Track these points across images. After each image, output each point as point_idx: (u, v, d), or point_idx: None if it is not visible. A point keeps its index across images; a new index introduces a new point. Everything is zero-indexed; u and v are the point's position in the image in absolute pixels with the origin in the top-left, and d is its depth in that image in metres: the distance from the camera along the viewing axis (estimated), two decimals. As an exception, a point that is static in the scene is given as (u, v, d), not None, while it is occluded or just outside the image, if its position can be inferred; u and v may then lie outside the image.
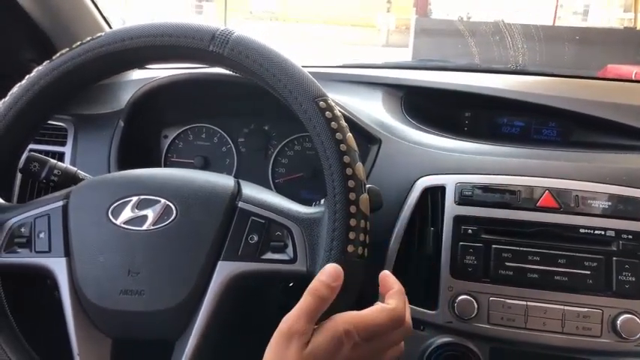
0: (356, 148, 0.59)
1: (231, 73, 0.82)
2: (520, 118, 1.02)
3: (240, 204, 0.61)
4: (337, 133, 0.58)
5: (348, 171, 0.57)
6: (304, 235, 0.59)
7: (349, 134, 0.59)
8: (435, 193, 0.77)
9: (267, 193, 0.65)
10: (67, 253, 0.60)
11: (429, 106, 1.02)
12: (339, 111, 0.60)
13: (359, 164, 0.59)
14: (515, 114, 1.02)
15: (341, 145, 0.58)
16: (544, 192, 0.74)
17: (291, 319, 0.51)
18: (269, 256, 0.59)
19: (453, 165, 0.80)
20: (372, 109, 0.95)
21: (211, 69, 0.93)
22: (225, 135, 1.00)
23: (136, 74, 1.11)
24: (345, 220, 0.56)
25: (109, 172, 0.89)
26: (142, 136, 0.98)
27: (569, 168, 0.77)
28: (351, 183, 0.57)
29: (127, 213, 0.60)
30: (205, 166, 0.99)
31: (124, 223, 0.60)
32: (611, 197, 0.72)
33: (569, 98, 0.96)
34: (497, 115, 1.04)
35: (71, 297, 0.59)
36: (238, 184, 0.64)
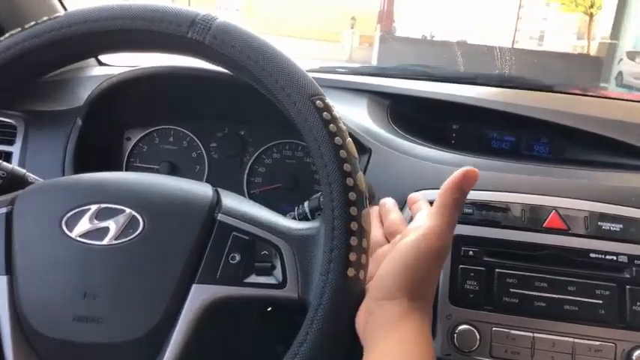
0: (356, 155, 0.52)
1: (204, 67, 0.73)
2: (510, 133, 0.97)
3: (220, 216, 0.52)
4: (336, 137, 0.50)
5: (349, 181, 0.49)
6: (295, 255, 0.51)
7: (349, 139, 0.52)
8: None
9: (251, 204, 0.56)
10: (9, 270, 0.50)
11: (415, 116, 0.96)
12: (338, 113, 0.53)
13: (360, 174, 0.51)
14: (505, 128, 0.97)
15: (340, 151, 0.50)
16: (551, 212, 0.68)
17: (443, 237, 0.51)
18: (253, 279, 0.51)
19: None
20: (358, 117, 0.88)
21: (182, 63, 0.84)
22: (196, 139, 0.91)
23: (98, 70, 1.01)
24: (345, 239, 0.48)
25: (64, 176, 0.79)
26: (101, 137, 0.88)
27: (576, 186, 0.71)
28: (351, 195, 0.49)
29: (84, 224, 0.51)
30: (172, 172, 0.90)
31: (81, 236, 0.50)
32: (623, 219, 0.67)
33: (563, 112, 0.90)
34: (486, 129, 0.98)
35: (12, 324, 0.49)
36: (217, 193, 0.55)
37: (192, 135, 0.91)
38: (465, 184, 0.52)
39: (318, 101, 0.51)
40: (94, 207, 0.51)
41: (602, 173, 0.78)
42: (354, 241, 0.48)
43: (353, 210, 0.49)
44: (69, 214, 0.51)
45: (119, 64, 1.06)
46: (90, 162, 0.82)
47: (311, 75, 0.81)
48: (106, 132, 0.89)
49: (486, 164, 0.80)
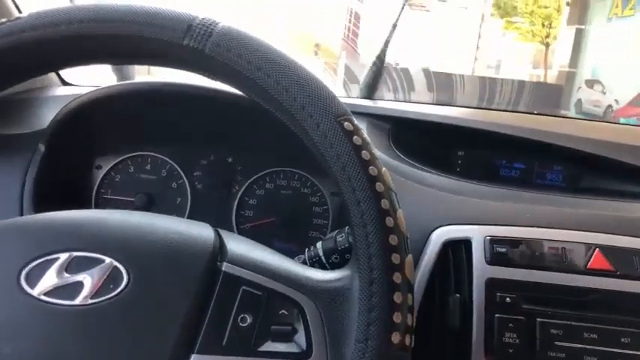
0: (394, 188, 0.42)
1: (187, 84, 0.63)
2: (520, 160, 0.89)
3: (225, 266, 0.42)
4: (370, 167, 0.41)
5: (389, 221, 0.40)
6: (323, 315, 0.41)
7: (384, 168, 0.42)
8: (458, 249, 0.61)
9: (262, 249, 0.46)
10: None
11: (418, 141, 0.88)
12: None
13: (401, 212, 0.41)
14: (514, 154, 0.89)
15: (377, 183, 0.41)
16: (593, 250, 0.59)
17: None
18: (269, 346, 0.40)
19: (475, 212, 0.65)
20: None
21: (158, 79, 0.74)
22: (177, 167, 0.80)
23: (63, 90, 0.90)
24: (387, 295, 0.38)
25: (23, 212, 0.67)
26: (68, 165, 0.76)
27: (612, 220, 0.63)
28: (392, 239, 0.39)
29: (50, 278, 0.40)
30: (149, 205, 0.79)
31: (45, 294, 0.39)
32: (677, 258, 0.59)
33: (578, 137, 0.83)
34: (494, 155, 0.90)
35: None
36: (219, 235, 0.45)
37: (172, 162, 0.80)
38: None
39: (346, 123, 0.42)
40: (63, 256, 0.40)
41: (635, 204, 0.71)
42: (398, 297, 0.38)
43: (395, 258, 0.39)
44: (30, 266, 0.40)
45: (86, 84, 0.94)
46: (53, 195, 0.70)
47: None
48: (73, 160, 0.77)
49: (514, 195, 0.72)
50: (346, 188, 0.40)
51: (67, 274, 0.40)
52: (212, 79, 0.47)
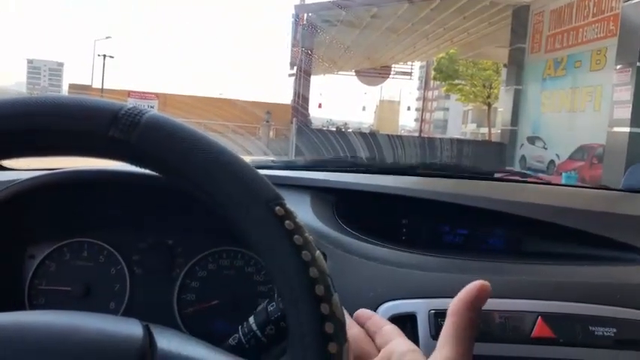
0: (328, 272, 0.42)
1: (123, 169, 0.62)
2: (463, 226, 0.91)
3: None
4: (303, 252, 0.40)
5: (324, 308, 0.39)
6: None
7: (318, 252, 0.42)
8: (404, 324, 0.60)
9: (196, 344, 0.43)
10: None
11: (362, 212, 0.88)
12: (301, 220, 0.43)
13: (336, 297, 0.40)
14: (456, 221, 0.91)
15: (310, 269, 0.40)
16: (536, 318, 0.59)
17: None
18: None
19: (419, 285, 0.64)
20: (303, 216, 0.78)
21: (90, 166, 0.72)
22: (115, 252, 0.77)
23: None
24: None
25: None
26: (-4, 256, 0.72)
27: (560, 287, 0.64)
28: (329, 327, 0.38)
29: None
30: (86, 294, 0.75)
31: None
32: (616, 322, 0.59)
33: (516, 202, 0.86)
34: (437, 222, 0.91)
35: None
36: (149, 332, 0.43)
37: (110, 248, 0.77)
38: (480, 300, 0.43)
39: (277, 207, 0.41)
40: None
41: (575, 268, 0.72)
42: None
43: (332, 347, 0.38)
44: None
45: (21, 166, 0.91)
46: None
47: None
48: (2, 250, 0.73)
49: (448, 264, 0.72)
50: (278, 275, 0.39)
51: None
52: (141, 167, 0.46)
